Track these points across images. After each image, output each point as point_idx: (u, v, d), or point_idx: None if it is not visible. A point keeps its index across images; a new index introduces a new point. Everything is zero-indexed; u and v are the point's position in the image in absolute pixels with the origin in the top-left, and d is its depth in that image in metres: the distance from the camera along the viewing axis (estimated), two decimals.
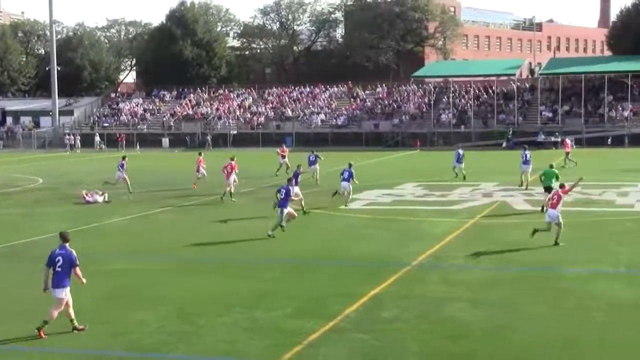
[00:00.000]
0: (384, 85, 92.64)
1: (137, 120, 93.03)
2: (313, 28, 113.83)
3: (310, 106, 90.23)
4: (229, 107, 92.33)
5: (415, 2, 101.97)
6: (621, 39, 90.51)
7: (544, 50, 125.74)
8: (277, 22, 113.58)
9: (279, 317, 15.46)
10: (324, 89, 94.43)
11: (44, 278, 14.53)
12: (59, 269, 14.33)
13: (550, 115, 79.92)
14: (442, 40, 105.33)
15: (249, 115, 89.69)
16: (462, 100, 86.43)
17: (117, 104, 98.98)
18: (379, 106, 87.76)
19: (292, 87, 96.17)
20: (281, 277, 19.25)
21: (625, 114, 77.06)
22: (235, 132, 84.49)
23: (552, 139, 70.38)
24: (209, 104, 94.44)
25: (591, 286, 17.50)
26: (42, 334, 14.17)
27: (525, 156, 36.98)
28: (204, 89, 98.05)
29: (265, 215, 27.74)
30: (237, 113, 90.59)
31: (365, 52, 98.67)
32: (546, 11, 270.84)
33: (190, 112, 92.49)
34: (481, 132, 78.19)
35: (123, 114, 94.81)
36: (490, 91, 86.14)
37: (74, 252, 14.66)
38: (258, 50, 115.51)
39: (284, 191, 24.90)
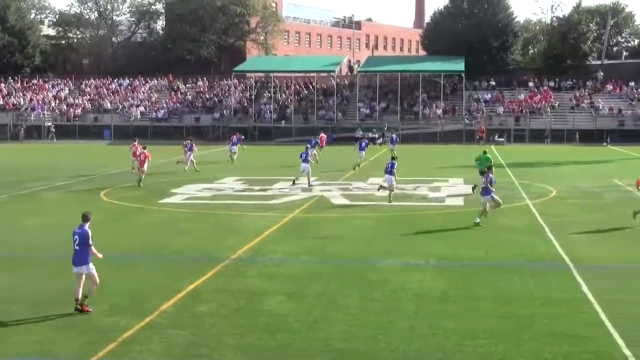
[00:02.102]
0: (205, 79, 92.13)
1: None
2: (133, 19, 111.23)
3: (130, 99, 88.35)
4: (43, 98, 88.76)
5: None
6: (435, 40, 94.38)
7: (362, 48, 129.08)
8: (96, 12, 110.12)
9: (94, 315, 15.02)
10: (144, 82, 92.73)
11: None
12: (77, 247, 15.17)
13: (368, 112, 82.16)
14: (264, 35, 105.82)
15: (65, 106, 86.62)
16: (283, 95, 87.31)
17: None
18: (200, 100, 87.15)
19: (111, 79, 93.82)
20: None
21: (439, 112, 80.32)
22: (51, 124, 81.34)
23: (370, 134, 72.24)
24: (21, 94, 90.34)
25: (403, 278, 18.07)
26: (87, 309, 15.09)
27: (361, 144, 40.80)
28: (16, 78, 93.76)
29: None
30: (53, 104, 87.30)
31: (187, 45, 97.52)
32: (365, 10, 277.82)
33: (1, 102, 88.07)
34: (299, 128, 79.13)
35: None
36: (311, 87, 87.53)
37: (89, 231, 15.27)
38: (75, 40, 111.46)
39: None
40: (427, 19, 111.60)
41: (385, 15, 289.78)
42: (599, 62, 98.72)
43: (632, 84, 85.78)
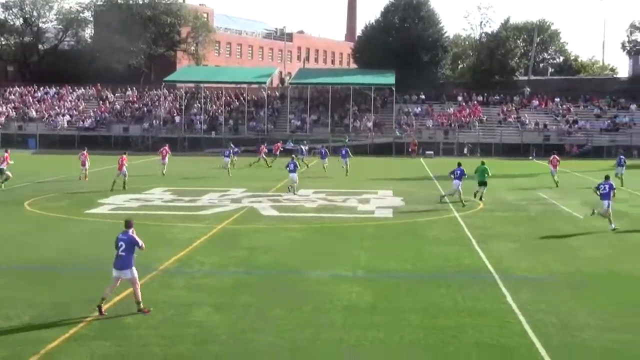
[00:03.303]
0: (134, 88, 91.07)
1: None
2: (60, 26, 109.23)
3: (56, 107, 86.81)
4: None
5: (168, 6, 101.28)
6: (366, 53, 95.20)
7: (294, 60, 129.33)
8: (21, 18, 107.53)
9: (16, 327, 14.67)
10: (71, 90, 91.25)
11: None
12: (122, 253, 15.83)
13: (299, 123, 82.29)
14: (195, 45, 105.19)
15: None
16: (214, 106, 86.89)
17: None
18: (129, 110, 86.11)
19: (37, 87, 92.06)
20: (19, 285, 18.28)
21: (369, 124, 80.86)
22: None
23: (301, 146, 72.13)
24: None
25: (331, 289, 18.08)
26: (146, 310, 15.62)
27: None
28: None
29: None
30: None
31: (116, 55, 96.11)
32: (297, 22, 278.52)
33: None
34: (230, 139, 78.74)
35: None
36: (242, 98, 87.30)
37: (135, 236, 16.06)
38: None
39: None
40: (359, 32, 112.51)
41: (317, 27, 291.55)
42: (525, 78, 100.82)
43: (557, 100, 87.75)
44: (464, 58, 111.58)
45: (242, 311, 16.03)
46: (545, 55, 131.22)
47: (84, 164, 44.55)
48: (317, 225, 28.72)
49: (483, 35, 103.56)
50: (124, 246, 15.87)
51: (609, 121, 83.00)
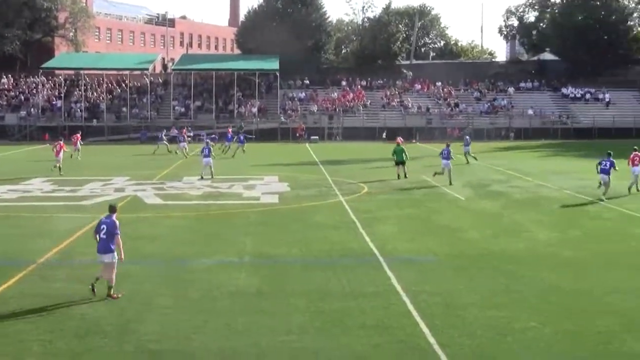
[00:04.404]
0: (10, 76, 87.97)
1: None
2: None
3: None
4: None
5: None
6: (249, 39, 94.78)
7: (177, 46, 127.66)
8: None
9: None
10: None
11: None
12: (104, 236, 16.08)
13: (182, 110, 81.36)
14: (73, 31, 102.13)
15: None
16: (95, 93, 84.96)
17: None
18: (5, 98, 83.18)
19: None
20: None
21: (254, 110, 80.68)
22: None
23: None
24: None
25: (218, 276, 17.96)
26: (115, 296, 15.91)
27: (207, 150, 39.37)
28: None
29: None
30: None
31: None
32: (179, 7, 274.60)
33: None
34: (112, 127, 77.42)
35: None
36: (124, 85, 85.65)
37: (117, 222, 16.18)
38: None
39: None
40: (242, 17, 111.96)
41: (200, 13, 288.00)
42: (408, 62, 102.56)
43: (438, 83, 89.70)
44: (348, 43, 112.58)
45: (127, 302, 15.75)
46: (427, 39, 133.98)
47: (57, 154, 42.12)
48: (202, 212, 28.49)
49: (365, 20, 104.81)
50: (105, 229, 16.13)
51: (488, 104, 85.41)
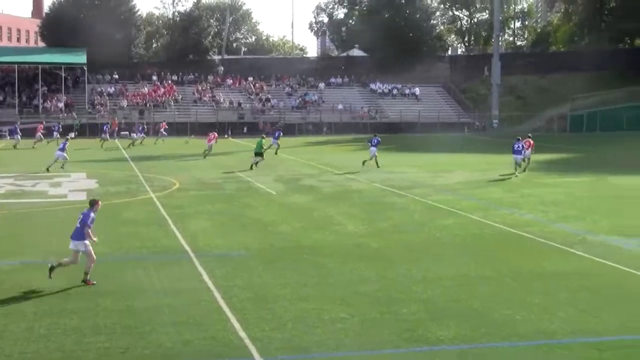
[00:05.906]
0: None
1: None
2: None
3: None
4: None
5: None
6: (55, 31, 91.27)
7: None
8: None
9: None
10: None
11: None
12: (78, 225, 16.76)
13: None
14: None
15: None
16: None
17: None
18: None
19: None
20: None
21: (60, 105, 77.96)
22: None
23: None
24: None
25: (21, 278, 17.23)
26: (91, 283, 16.60)
27: None
28: None
29: None
30: None
31: None
32: None
33: None
34: None
35: None
36: None
37: (92, 214, 16.82)
38: None
39: None
40: (46, 9, 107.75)
41: (1, 4, 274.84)
42: (219, 57, 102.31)
43: (250, 78, 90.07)
44: (158, 37, 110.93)
45: None
46: (238, 34, 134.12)
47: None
48: (5, 212, 27.22)
49: (176, 14, 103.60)
50: (80, 218, 16.84)
51: (299, 99, 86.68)
